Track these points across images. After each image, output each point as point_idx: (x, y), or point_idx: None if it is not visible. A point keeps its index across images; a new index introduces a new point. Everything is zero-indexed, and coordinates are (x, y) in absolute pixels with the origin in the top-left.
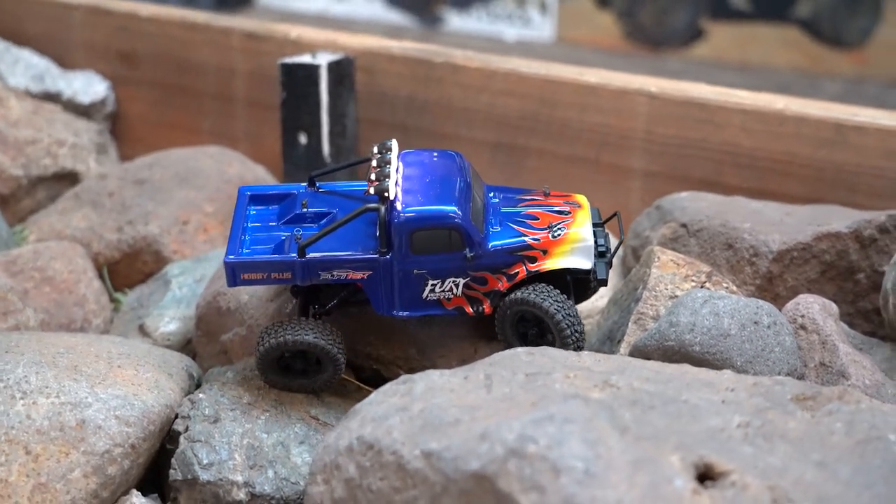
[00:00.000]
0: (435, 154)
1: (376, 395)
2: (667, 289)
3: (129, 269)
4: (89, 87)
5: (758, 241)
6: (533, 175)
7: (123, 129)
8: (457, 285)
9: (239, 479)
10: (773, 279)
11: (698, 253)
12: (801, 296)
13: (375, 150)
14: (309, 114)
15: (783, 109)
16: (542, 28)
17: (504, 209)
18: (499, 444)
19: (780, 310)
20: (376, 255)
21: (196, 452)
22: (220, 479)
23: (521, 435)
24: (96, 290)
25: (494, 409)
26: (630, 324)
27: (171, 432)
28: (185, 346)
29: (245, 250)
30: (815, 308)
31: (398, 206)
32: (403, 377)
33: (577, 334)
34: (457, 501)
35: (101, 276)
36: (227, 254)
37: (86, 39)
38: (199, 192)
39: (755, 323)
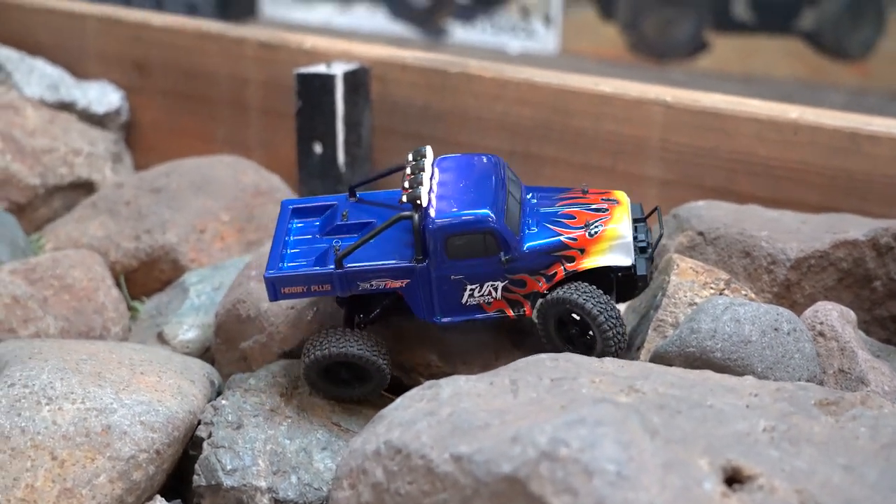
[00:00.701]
0: (470, 158)
1: (402, 401)
2: (686, 296)
3: (146, 277)
4: (104, 96)
5: (775, 248)
6: (548, 182)
7: (137, 138)
8: (495, 289)
9: (262, 484)
10: (791, 287)
11: (716, 261)
12: (820, 303)
13: (410, 157)
14: (324, 123)
15: (797, 119)
16: (545, 40)
17: (541, 209)
18: (531, 446)
19: (798, 317)
20: (413, 263)
21: (220, 458)
22: (244, 485)
23: (554, 438)
24: (115, 299)
25: (523, 412)
26: (650, 331)
27: (194, 438)
28: (204, 353)
29: (286, 264)
30: (834, 315)
31: (431, 212)
32: (429, 383)
33: (619, 336)
34: None
35: (118, 285)
36: (268, 269)
37: (99, 49)
38: (215, 201)
39: (775, 329)
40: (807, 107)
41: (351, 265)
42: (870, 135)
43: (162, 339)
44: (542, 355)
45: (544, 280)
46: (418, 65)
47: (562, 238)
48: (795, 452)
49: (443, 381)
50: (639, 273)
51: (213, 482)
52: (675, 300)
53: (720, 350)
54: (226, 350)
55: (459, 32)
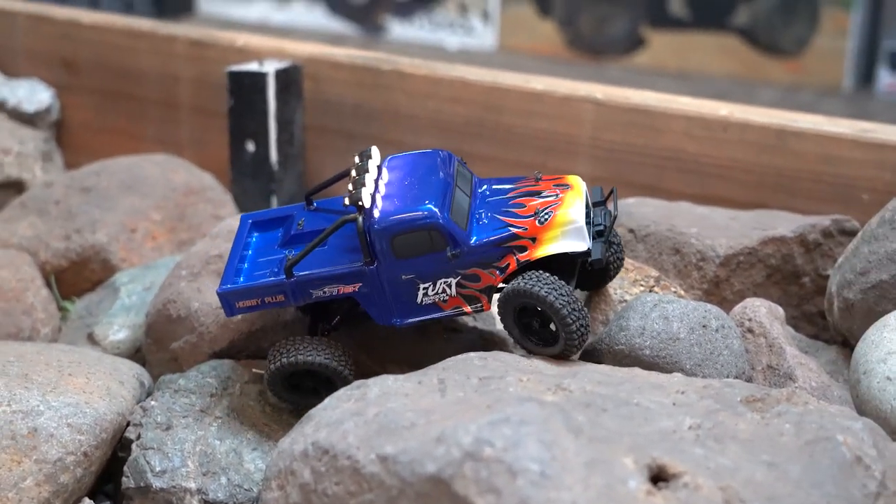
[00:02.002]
0: (418, 156)
1: (330, 401)
2: (615, 293)
3: (76, 277)
4: (33, 95)
5: (704, 245)
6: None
7: (68, 137)
8: (449, 286)
9: (192, 486)
10: (720, 283)
11: (646, 258)
12: (748, 299)
13: (356, 158)
14: (256, 121)
15: (726, 116)
16: (483, 36)
17: (492, 199)
18: (455, 447)
19: (727, 313)
20: (362, 266)
21: (149, 460)
22: (173, 487)
23: (478, 438)
24: (44, 299)
25: (450, 412)
26: None
27: (122, 440)
28: (135, 354)
29: (241, 279)
30: (762, 311)
31: (375, 213)
32: (357, 382)
33: (583, 329)
34: None
35: (48, 285)
36: (220, 284)
37: (28, 46)
38: (145, 200)
39: (704, 326)
40: (735, 104)
41: (301, 273)
42: (796, 131)
43: (92, 339)
44: (472, 354)
45: (498, 273)
46: (351, 63)
47: (511, 228)
48: (720, 450)
49: (371, 380)
50: (593, 257)
51: (141, 484)
52: (605, 297)
53: (649, 347)
54: (156, 350)
55: (398, 29)
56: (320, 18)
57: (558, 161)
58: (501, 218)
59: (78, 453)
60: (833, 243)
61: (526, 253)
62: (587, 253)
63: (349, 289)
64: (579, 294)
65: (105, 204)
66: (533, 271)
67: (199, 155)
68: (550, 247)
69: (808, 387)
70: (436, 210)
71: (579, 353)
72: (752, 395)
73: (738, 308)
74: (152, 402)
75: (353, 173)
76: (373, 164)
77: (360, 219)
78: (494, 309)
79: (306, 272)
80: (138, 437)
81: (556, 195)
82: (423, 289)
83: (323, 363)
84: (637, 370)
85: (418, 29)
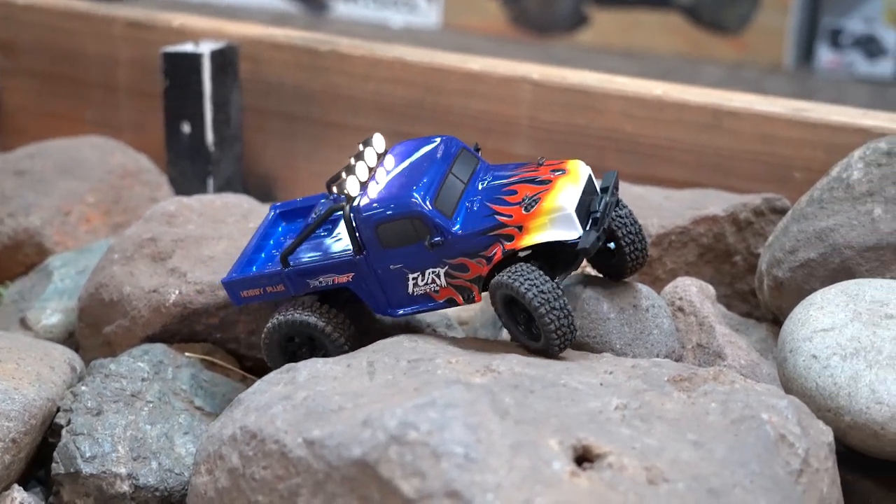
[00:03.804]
0: (419, 142)
1: (260, 385)
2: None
3: (10, 261)
4: None
5: None
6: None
7: (5, 121)
8: (438, 276)
9: (122, 471)
10: (652, 262)
11: None
12: (679, 279)
13: (360, 145)
14: (192, 103)
15: (663, 95)
16: (428, 14)
17: (488, 186)
18: (381, 430)
19: (658, 293)
20: (352, 257)
21: (78, 445)
22: (104, 472)
23: (403, 421)
24: None
25: (378, 395)
26: None
27: (52, 426)
28: (68, 338)
29: (253, 268)
30: (693, 290)
31: (362, 202)
32: (287, 366)
33: (564, 328)
34: (340, 489)
35: None
36: (228, 274)
37: None
38: (81, 183)
39: (634, 306)
40: (671, 83)
41: (296, 263)
42: (732, 111)
43: (25, 324)
44: (402, 336)
45: (485, 262)
46: (289, 43)
47: (497, 217)
48: (646, 430)
49: (300, 364)
50: (580, 247)
51: (71, 470)
52: None
53: (579, 327)
54: (89, 335)
55: (342, 7)
56: None
57: (497, 142)
58: (490, 206)
59: (6, 440)
60: (764, 222)
61: (512, 242)
62: (586, 250)
63: (343, 279)
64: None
65: (39, 187)
66: (519, 265)
67: (139, 137)
68: (537, 235)
69: (737, 365)
70: (418, 198)
71: (563, 348)
72: (680, 375)
73: (668, 287)
74: (83, 388)
75: (351, 160)
76: (371, 151)
77: (348, 208)
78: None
79: (301, 262)
80: (68, 422)
81: (549, 181)
82: (413, 279)
83: (318, 325)
84: (567, 350)
85: (363, 7)
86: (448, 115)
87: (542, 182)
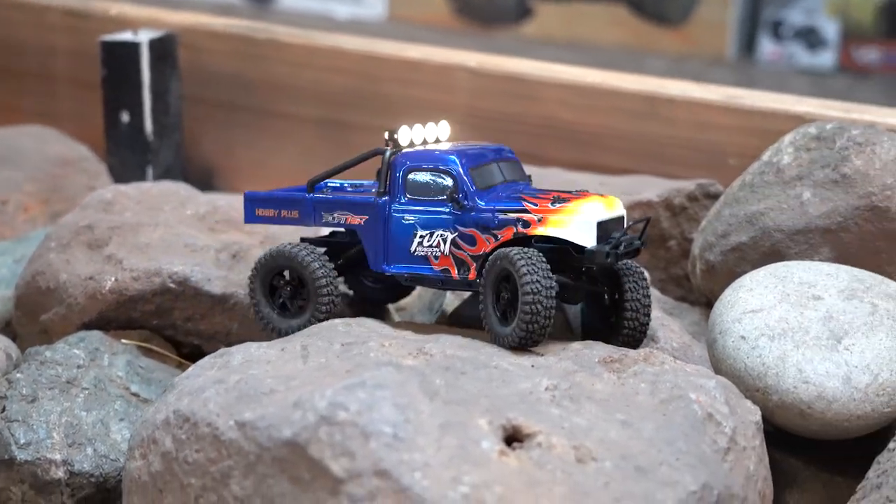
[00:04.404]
0: (486, 144)
1: (194, 369)
2: None
3: None
4: None
5: None
6: (358, 149)
7: None
8: (444, 240)
9: (57, 457)
10: None
11: None
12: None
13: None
14: (131, 92)
15: (599, 83)
16: (373, 6)
17: (525, 189)
18: (311, 411)
19: None
20: (374, 198)
21: (13, 432)
22: (38, 458)
23: (332, 402)
24: None
25: (310, 378)
26: (447, 294)
27: None
28: (6, 327)
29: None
30: None
31: (405, 149)
32: (221, 350)
33: (537, 325)
34: (271, 470)
35: None
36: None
37: None
38: (18, 172)
39: None
40: (608, 71)
41: (320, 192)
42: (667, 98)
43: None
44: (336, 321)
45: (493, 240)
46: (227, 32)
47: (523, 202)
48: (576, 409)
49: (234, 348)
50: (588, 254)
51: (6, 457)
52: None
53: None
54: (26, 323)
55: None
56: None
57: None
58: (521, 195)
59: None
60: (698, 207)
61: (528, 228)
62: (592, 253)
63: (356, 220)
64: None
65: None
66: (533, 250)
67: (78, 127)
68: (553, 229)
69: (669, 347)
70: (456, 160)
71: (521, 344)
72: (610, 356)
73: None
74: (18, 375)
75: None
76: (433, 127)
77: (388, 150)
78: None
79: (323, 194)
80: (3, 409)
81: (583, 194)
82: (420, 237)
83: (308, 262)
84: None
85: None
86: (386, 103)
87: (577, 194)
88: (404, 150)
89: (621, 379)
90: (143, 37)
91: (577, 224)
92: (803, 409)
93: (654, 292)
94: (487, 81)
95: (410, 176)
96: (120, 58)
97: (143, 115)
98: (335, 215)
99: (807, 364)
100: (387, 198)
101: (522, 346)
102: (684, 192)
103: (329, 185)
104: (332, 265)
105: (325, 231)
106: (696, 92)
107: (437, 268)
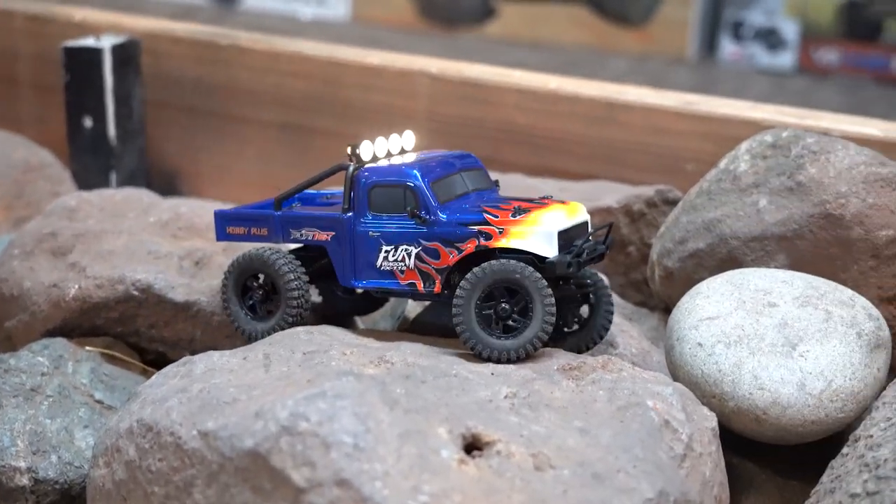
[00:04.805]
0: (450, 152)
1: (157, 378)
2: None
3: None
4: None
5: None
6: (321, 154)
7: None
8: (409, 255)
9: (22, 465)
10: None
11: None
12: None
13: (393, 134)
14: (93, 97)
15: (556, 89)
16: (337, 6)
17: (489, 197)
18: (272, 421)
19: None
20: (339, 214)
21: None
22: (2, 466)
23: (294, 412)
24: None
25: (272, 387)
26: (409, 301)
27: None
28: None
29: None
30: None
31: (367, 165)
32: (184, 359)
33: (550, 326)
34: (233, 479)
35: None
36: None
37: None
38: None
39: None
40: (565, 77)
41: (287, 210)
42: (624, 104)
43: None
44: (299, 329)
45: (456, 253)
46: (190, 37)
47: (485, 215)
48: (534, 417)
49: (197, 357)
50: (549, 265)
51: None
52: None
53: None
54: None
55: (251, 0)
56: None
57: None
58: (483, 207)
59: None
60: (657, 213)
61: (490, 241)
62: (553, 264)
63: (323, 236)
64: None
65: None
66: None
67: (41, 132)
68: (515, 241)
69: (628, 353)
70: (417, 174)
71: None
72: (569, 364)
73: None
74: None
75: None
76: (396, 139)
77: (352, 167)
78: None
79: (291, 210)
80: None
81: (545, 203)
82: (385, 251)
83: (279, 266)
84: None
85: (272, 0)
86: (348, 107)
87: (538, 203)
88: (367, 166)
89: (580, 386)
90: (106, 42)
91: (538, 235)
92: (759, 414)
93: (615, 298)
94: (447, 87)
95: (373, 192)
96: (82, 63)
97: (105, 120)
98: (303, 232)
99: (762, 371)
100: (351, 214)
101: (538, 349)
102: (643, 198)
103: (302, 196)
104: (307, 277)
105: None
106: (653, 98)
107: (403, 282)
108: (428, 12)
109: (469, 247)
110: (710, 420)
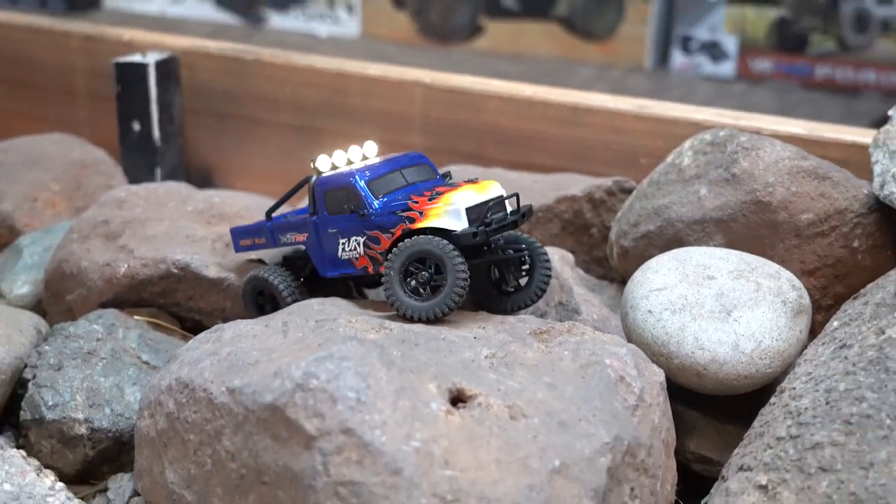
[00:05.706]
0: (403, 154)
1: (193, 342)
2: None
3: None
4: None
5: None
6: (330, 152)
7: None
8: (359, 244)
9: (80, 416)
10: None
11: None
12: (545, 248)
13: (355, 147)
14: (140, 105)
15: (531, 95)
16: (349, 26)
17: (421, 187)
18: (288, 380)
19: None
20: (307, 217)
21: (42, 396)
22: (64, 418)
23: (306, 372)
24: None
25: (288, 350)
26: None
27: (21, 380)
28: (36, 306)
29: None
30: (556, 258)
31: (324, 175)
32: (216, 326)
33: (462, 289)
34: (256, 428)
35: None
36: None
37: None
38: (46, 173)
39: None
40: (539, 86)
41: (276, 219)
42: (588, 108)
43: None
44: (313, 300)
45: (390, 237)
46: (220, 53)
47: (408, 202)
48: (510, 374)
49: (226, 324)
50: (455, 237)
51: (37, 416)
52: None
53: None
54: (54, 303)
55: (276, 19)
56: (209, 11)
57: (395, 134)
58: (411, 195)
59: None
60: (615, 200)
61: (413, 223)
62: (458, 236)
63: (301, 238)
64: None
65: (10, 177)
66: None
67: (96, 134)
68: (431, 221)
69: (590, 319)
70: (356, 175)
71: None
72: (540, 329)
73: None
74: (46, 347)
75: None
76: (356, 150)
77: (314, 178)
78: None
79: (276, 219)
80: (34, 376)
81: (458, 185)
82: (342, 244)
83: (273, 282)
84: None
85: (294, 20)
86: (352, 112)
87: (454, 185)
88: (323, 175)
89: (548, 347)
90: (151, 58)
91: (449, 213)
92: (700, 370)
93: (579, 272)
94: (438, 94)
95: (327, 195)
96: (131, 76)
97: (151, 124)
98: (287, 236)
99: (702, 333)
100: (315, 217)
101: (452, 310)
102: (603, 187)
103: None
104: (295, 284)
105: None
106: (612, 103)
107: (358, 267)
108: (425, 30)
109: (398, 231)
110: (659, 375)
